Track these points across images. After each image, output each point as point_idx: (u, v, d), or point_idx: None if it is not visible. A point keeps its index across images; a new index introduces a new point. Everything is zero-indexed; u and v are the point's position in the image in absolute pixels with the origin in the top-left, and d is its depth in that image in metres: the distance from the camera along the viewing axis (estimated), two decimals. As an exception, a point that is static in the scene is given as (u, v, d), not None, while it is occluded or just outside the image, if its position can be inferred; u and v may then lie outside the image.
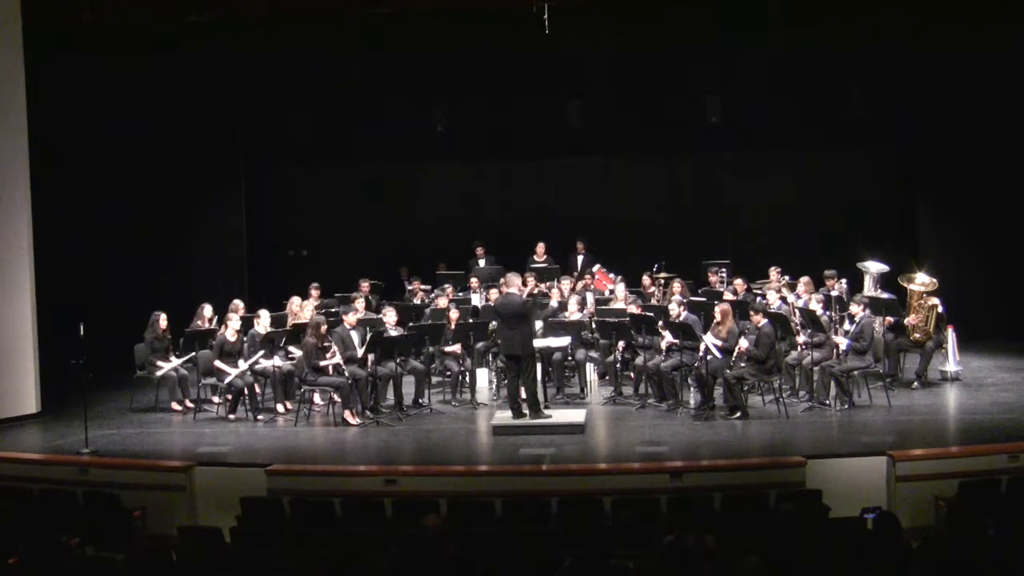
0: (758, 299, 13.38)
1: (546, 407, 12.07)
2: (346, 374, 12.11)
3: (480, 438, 11.83)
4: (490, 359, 13.52)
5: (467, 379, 13.28)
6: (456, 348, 13.15)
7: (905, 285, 13.44)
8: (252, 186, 17.83)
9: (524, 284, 12.69)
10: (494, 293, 14.07)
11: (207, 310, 13.66)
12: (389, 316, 12.86)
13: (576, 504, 9.20)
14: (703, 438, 11.22)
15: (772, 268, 14.68)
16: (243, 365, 12.57)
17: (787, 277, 14.36)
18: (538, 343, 12.48)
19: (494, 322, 13.26)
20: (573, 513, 9.00)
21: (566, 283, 14.68)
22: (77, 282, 15.46)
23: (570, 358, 13.42)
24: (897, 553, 6.87)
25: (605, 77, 17.25)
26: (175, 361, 13.09)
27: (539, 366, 12.35)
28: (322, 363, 12.14)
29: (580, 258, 16.50)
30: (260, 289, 17.01)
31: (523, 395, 11.83)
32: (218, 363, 12.53)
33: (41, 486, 10.10)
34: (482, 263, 16.27)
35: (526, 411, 11.72)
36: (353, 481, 10.16)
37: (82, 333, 11.38)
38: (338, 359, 12.17)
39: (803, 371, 12.48)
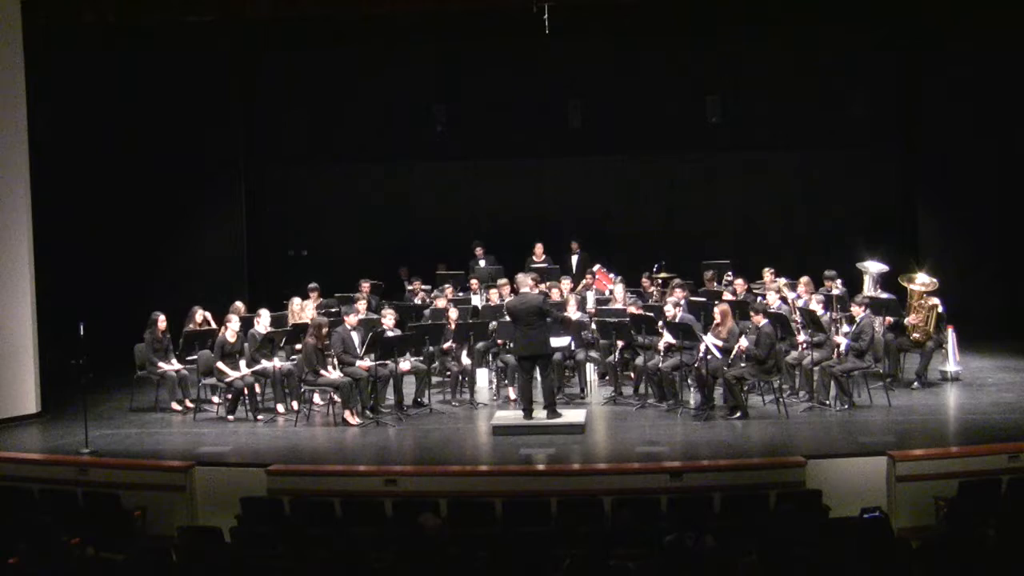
0: (758, 299, 13.37)
1: (538, 405, 12.05)
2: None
3: (480, 438, 11.83)
4: (490, 359, 13.51)
5: (467, 379, 13.27)
6: (455, 346, 13.13)
7: (905, 285, 13.43)
8: (252, 186, 17.84)
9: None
10: (493, 293, 14.07)
11: (198, 314, 13.60)
12: (388, 319, 12.84)
13: (576, 504, 9.20)
14: (703, 438, 11.21)
15: (766, 269, 14.68)
16: (243, 366, 12.57)
17: (782, 279, 14.33)
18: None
19: (493, 322, 13.27)
20: (573, 513, 9.00)
21: (566, 283, 14.67)
22: (77, 282, 15.47)
23: (570, 359, 13.40)
24: (895, 553, 6.88)
25: (605, 77, 17.26)
26: (175, 363, 13.10)
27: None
28: (322, 373, 12.17)
29: (575, 258, 16.49)
30: (260, 289, 17.02)
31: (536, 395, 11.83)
32: (220, 365, 12.53)
33: (41, 486, 10.11)
34: (482, 263, 16.26)
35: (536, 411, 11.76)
36: (353, 481, 10.16)
37: (82, 333, 11.37)
38: (337, 374, 12.21)
39: (803, 371, 12.48)
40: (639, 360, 12.68)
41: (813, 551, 7.27)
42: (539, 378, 11.82)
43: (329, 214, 18.23)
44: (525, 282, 12.18)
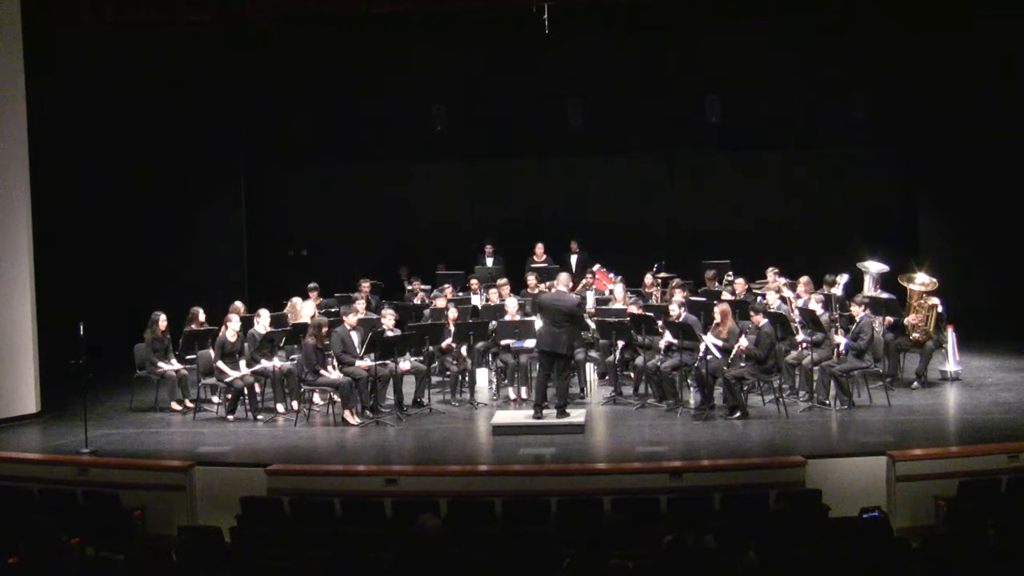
0: (758, 299, 13.38)
1: (546, 407, 12.06)
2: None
3: (480, 438, 11.83)
4: (490, 359, 13.51)
5: (467, 379, 13.27)
6: (454, 346, 13.12)
7: (905, 285, 13.44)
8: (252, 186, 17.83)
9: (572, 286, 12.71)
10: (493, 293, 14.08)
11: (200, 315, 13.58)
12: (387, 319, 12.84)
13: (576, 504, 9.20)
14: (703, 438, 11.22)
15: (770, 269, 14.68)
16: (243, 366, 12.57)
17: (782, 279, 14.33)
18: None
19: (493, 322, 13.27)
20: (573, 513, 8.99)
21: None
22: (77, 282, 15.46)
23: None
24: (895, 553, 6.87)
25: (605, 77, 17.26)
26: (175, 363, 13.09)
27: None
28: (322, 373, 12.17)
29: (574, 257, 16.49)
30: (260, 289, 17.01)
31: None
32: (220, 364, 12.53)
33: (41, 486, 10.10)
34: (489, 261, 16.26)
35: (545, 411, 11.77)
36: (353, 481, 10.16)
37: (82, 333, 11.37)
38: (337, 374, 12.21)
39: (803, 371, 12.48)
40: (639, 360, 12.68)
41: (813, 551, 7.27)
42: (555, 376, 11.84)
43: (329, 214, 18.21)
44: (564, 281, 12.16)
